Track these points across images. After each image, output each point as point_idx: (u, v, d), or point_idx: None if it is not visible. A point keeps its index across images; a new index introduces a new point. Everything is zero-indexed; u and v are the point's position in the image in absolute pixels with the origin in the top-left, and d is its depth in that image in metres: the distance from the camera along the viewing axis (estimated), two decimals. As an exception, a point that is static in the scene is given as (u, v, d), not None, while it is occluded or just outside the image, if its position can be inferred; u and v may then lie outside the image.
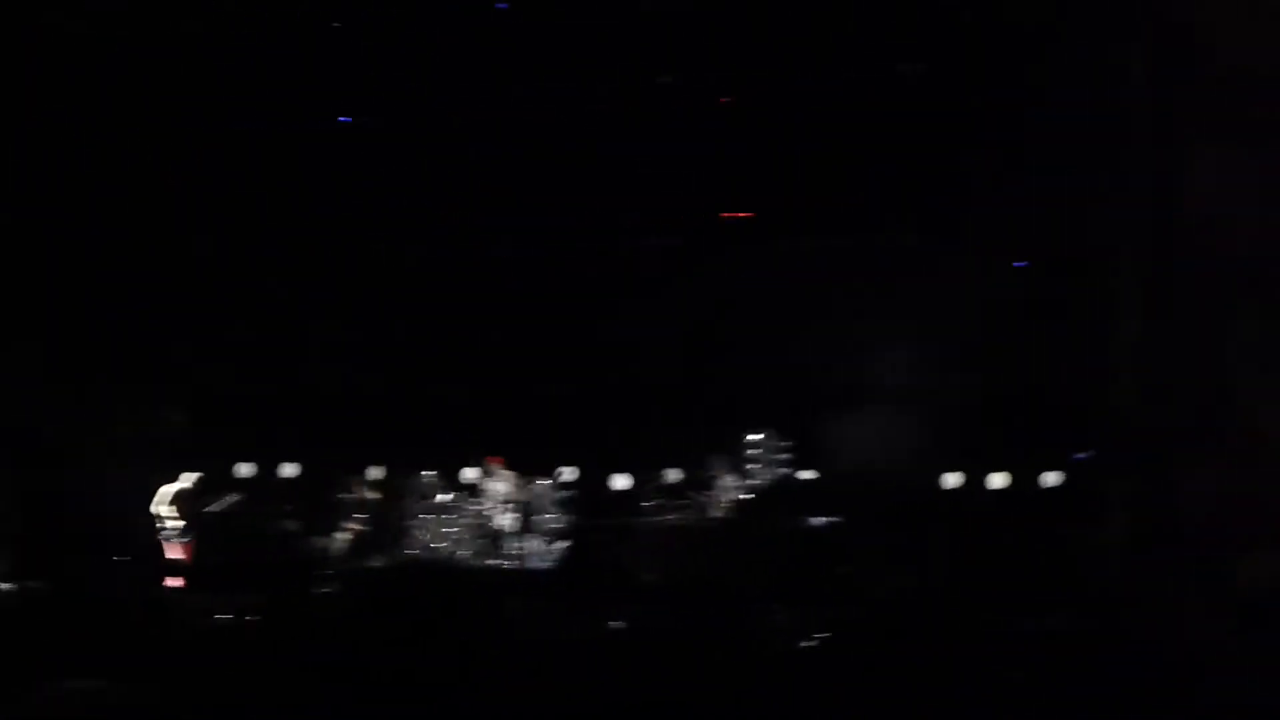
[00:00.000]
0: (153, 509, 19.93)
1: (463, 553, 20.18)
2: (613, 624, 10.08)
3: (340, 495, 20.66)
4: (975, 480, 20.69)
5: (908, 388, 19.26)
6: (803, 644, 5.65)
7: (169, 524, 19.94)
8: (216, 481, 20.79)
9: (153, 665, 4.43)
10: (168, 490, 20.03)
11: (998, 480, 20.61)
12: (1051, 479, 20.39)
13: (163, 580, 17.25)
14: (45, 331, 20.12)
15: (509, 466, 20.93)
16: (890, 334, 19.55)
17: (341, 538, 20.35)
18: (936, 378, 19.40)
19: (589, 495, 21.11)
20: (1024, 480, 20.52)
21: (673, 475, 20.66)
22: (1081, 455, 18.66)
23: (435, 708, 3.84)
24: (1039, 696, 4.90)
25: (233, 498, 20.39)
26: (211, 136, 20.60)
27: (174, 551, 19.89)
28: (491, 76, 20.49)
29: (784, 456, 20.58)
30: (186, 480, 20.15)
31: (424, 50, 20.29)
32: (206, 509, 20.17)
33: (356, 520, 20.52)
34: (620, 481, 21.54)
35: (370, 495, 20.82)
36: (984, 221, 19.94)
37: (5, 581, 17.45)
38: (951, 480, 20.67)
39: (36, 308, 20.19)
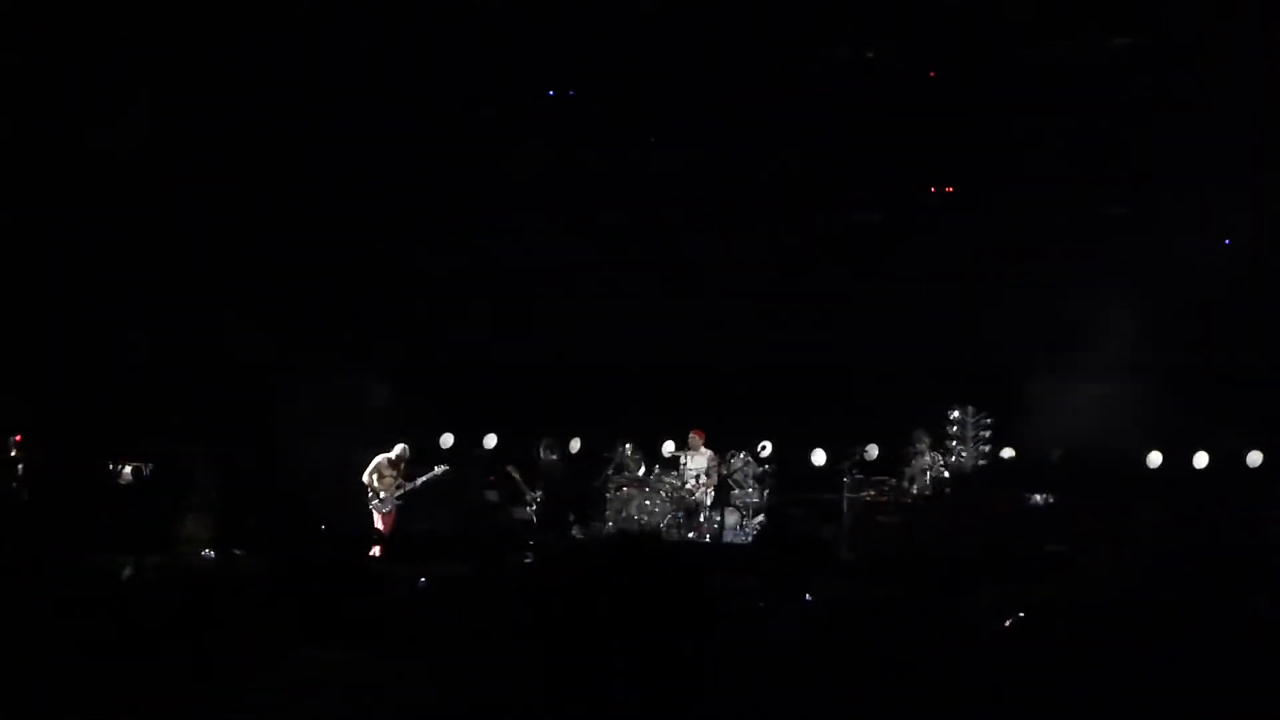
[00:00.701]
0: (364, 478, 20.34)
1: (661, 526, 20.26)
2: (808, 597, 10.07)
3: (540, 467, 20.84)
4: (1183, 458, 20.26)
5: (1115, 364, 18.89)
6: (1005, 623, 5.59)
7: (379, 494, 20.31)
8: (423, 451, 21.16)
9: (366, 633, 4.51)
10: (377, 460, 20.40)
11: (1203, 459, 20.17)
12: (1256, 458, 19.93)
13: (369, 550, 17.55)
14: (247, 307, 20.62)
15: (709, 441, 20.96)
16: (1096, 309, 19.18)
17: (532, 499, 20.57)
18: (1145, 354, 19.02)
19: (788, 470, 21.06)
20: (1231, 459, 20.06)
21: (873, 451, 20.47)
22: None
23: (633, 681, 3.84)
24: (1244, 684, 4.77)
25: (441, 468, 20.69)
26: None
27: (382, 521, 20.26)
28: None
29: (987, 433, 20.30)
30: (395, 450, 20.50)
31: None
32: (415, 479, 20.53)
33: (554, 493, 20.68)
34: (820, 456, 21.44)
35: (563, 467, 20.99)
36: (1192, 194, 19.60)
37: (208, 549, 17.92)
38: (1157, 458, 20.26)
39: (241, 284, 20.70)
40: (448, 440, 22.10)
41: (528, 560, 13.70)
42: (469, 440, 22.34)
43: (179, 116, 20.28)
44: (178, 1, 19.62)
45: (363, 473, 20.33)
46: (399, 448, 20.53)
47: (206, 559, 17.08)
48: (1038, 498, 18.38)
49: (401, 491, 20.31)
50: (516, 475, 20.79)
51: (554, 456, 20.87)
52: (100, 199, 19.93)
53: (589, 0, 20.28)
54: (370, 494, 20.27)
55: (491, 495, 21.17)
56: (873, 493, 19.61)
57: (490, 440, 22.48)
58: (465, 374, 22.13)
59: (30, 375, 18.23)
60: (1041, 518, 18.15)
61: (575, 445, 21.97)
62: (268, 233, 20.95)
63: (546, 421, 21.60)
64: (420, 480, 20.50)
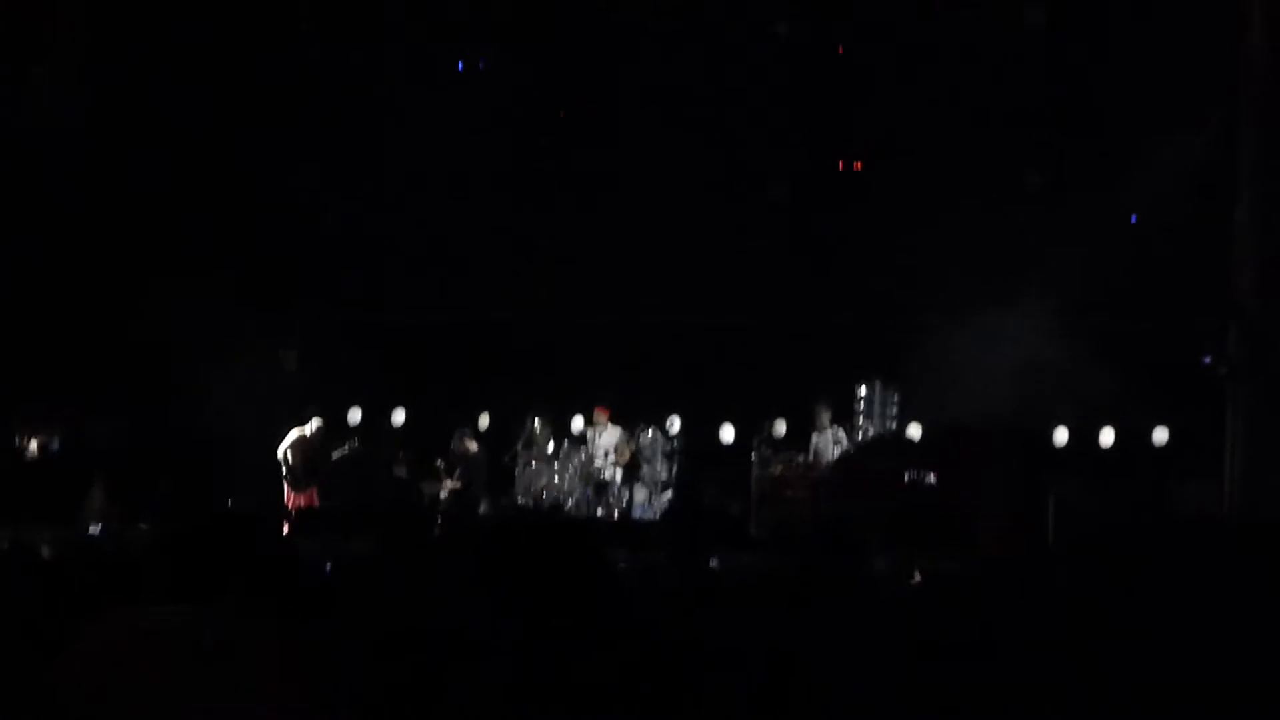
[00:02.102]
0: (279, 454, 20.14)
1: (569, 502, 20.28)
2: (712, 564, 10.15)
3: (450, 446, 20.76)
4: (1086, 435, 20.48)
5: (1015, 341, 19.08)
6: (900, 591, 5.69)
7: (295, 470, 20.11)
8: (337, 428, 21.03)
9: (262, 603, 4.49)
10: (293, 435, 20.20)
11: (1108, 435, 20.39)
12: (1161, 435, 20.19)
13: (277, 525, 17.43)
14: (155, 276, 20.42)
15: (617, 417, 20.98)
16: (1000, 287, 19.38)
17: (450, 485, 20.46)
18: (1044, 331, 19.23)
19: (697, 446, 21.12)
20: (1135, 435, 20.31)
21: (780, 427, 20.57)
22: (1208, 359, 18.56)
23: (543, 657, 3.85)
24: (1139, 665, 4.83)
25: (354, 444, 20.55)
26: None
27: (299, 497, 20.08)
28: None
29: (894, 409, 20.47)
30: (311, 425, 20.31)
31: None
32: (331, 455, 20.38)
33: (464, 468, 20.62)
34: (729, 432, 21.52)
35: (477, 444, 20.91)
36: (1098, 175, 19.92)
37: (103, 522, 17.73)
38: (1062, 434, 20.47)
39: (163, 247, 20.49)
40: (355, 415, 21.96)
41: (433, 536, 13.70)
42: (377, 415, 22.23)
43: (85, 83, 20.09)
44: None
45: (278, 448, 20.13)
46: (315, 422, 20.36)
47: (111, 533, 16.92)
48: (931, 475, 18.59)
49: (315, 468, 20.16)
50: (441, 468, 20.70)
51: (472, 445, 20.75)
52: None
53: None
54: (284, 470, 20.07)
55: (400, 471, 21.09)
56: (780, 468, 19.72)
57: (399, 415, 22.39)
58: (372, 347, 21.99)
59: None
60: (934, 491, 18.36)
61: (484, 421, 21.92)
62: (175, 200, 20.73)
63: (455, 396, 21.56)
64: (335, 456, 20.37)
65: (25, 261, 19.81)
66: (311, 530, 17.83)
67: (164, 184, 20.63)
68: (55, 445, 19.79)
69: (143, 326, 19.81)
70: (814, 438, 20.07)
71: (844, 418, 20.30)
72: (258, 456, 20.36)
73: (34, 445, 19.78)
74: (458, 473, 20.46)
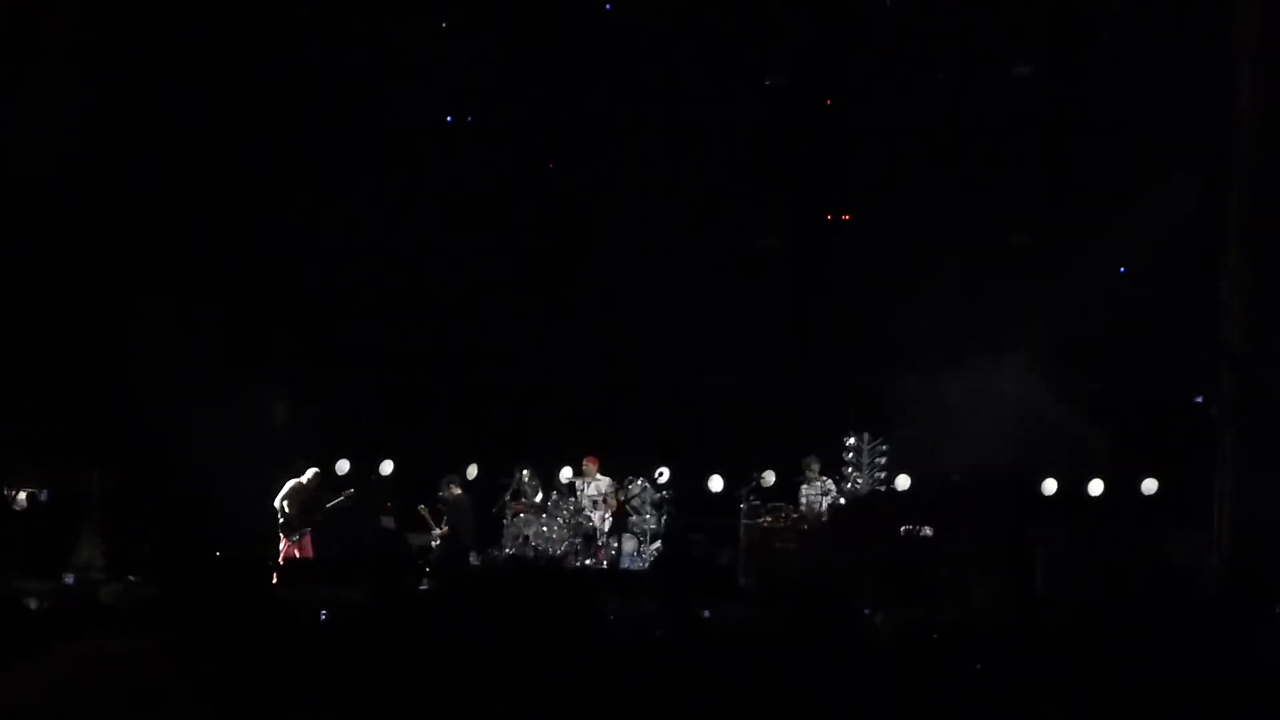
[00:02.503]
0: (275, 504, 20.09)
1: (558, 552, 20.23)
2: (705, 614, 10.12)
3: (438, 494, 20.72)
4: (1076, 485, 20.48)
5: (1007, 392, 19.11)
6: (898, 645, 5.68)
7: (290, 520, 20.05)
8: (331, 478, 20.98)
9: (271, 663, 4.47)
10: (289, 485, 20.15)
11: (1097, 486, 20.40)
12: (1151, 485, 20.19)
13: (267, 575, 17.34)
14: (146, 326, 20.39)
15: (606, 468, 20.97)
16: (991, 338, 19.45)
17: (438, 533, 20.41)
18: (1032, 383, 19.27)
19: (686, 496, 21.11)
20: (1125, 485, 20.32)
21: (769, 478, 20.57)
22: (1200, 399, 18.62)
23: (536, 705, 3.86)
24: (1135, 703, 4.86)
25: (350, 494, 20.48)
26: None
27: (293, 547, 20.01)
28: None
29: (882, 459, 20.48)
30: (306, 475, 20.28)
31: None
32: (324, 505, 20.32)
33: (451, 516, 20.57)
34: (717, 482, 21.50)
35: (463, 492, 20.87)
36: (1088, 225, 20.02)
37: (85, 573, 17.64)
38: (1050, 485, 20.48)
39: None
40: (344, 466, 21.92)
41: (423, 587, 13.67)
42: (366, 466, 22.20)
43: (86, 123, 20.10)
44: None
45: (273, 498, 20.08)
46: (310, 472, 20.33)
47: (87, 584, 16.83)
48: (926, 528, 18.57)
49: (310, 518, 20.10)
50: (426, 514, 20.65)
51: (458, 491, 20.72)
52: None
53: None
54: (280, 519, 20.00)
55: (388, 522, 21.05)
56: (769, 519, 19.70)
57: (387, 466, 22.34)
58: (361, 399, 21.99)
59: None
60: (927, 544, 18.34)
61: (472, 472, 21.88)
62: (162, 247, 20.71)
63: (442, 447, 21.54)
64: (328, 506, 20.32)
65: (15, 309, 19.77)
66: (304, 579, 17.76)
67: (152, 229, 20.61)
68: (43, 496, 19.69)
69: (132, 375, 19.79)
70: (803, 489, 20.07)
71: (832, 469, 20.31)
72: (246, 507, 20.31)
73: (22, 496, 19.70)
74: (444, 520, 20.43)
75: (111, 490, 19.66)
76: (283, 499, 20.03)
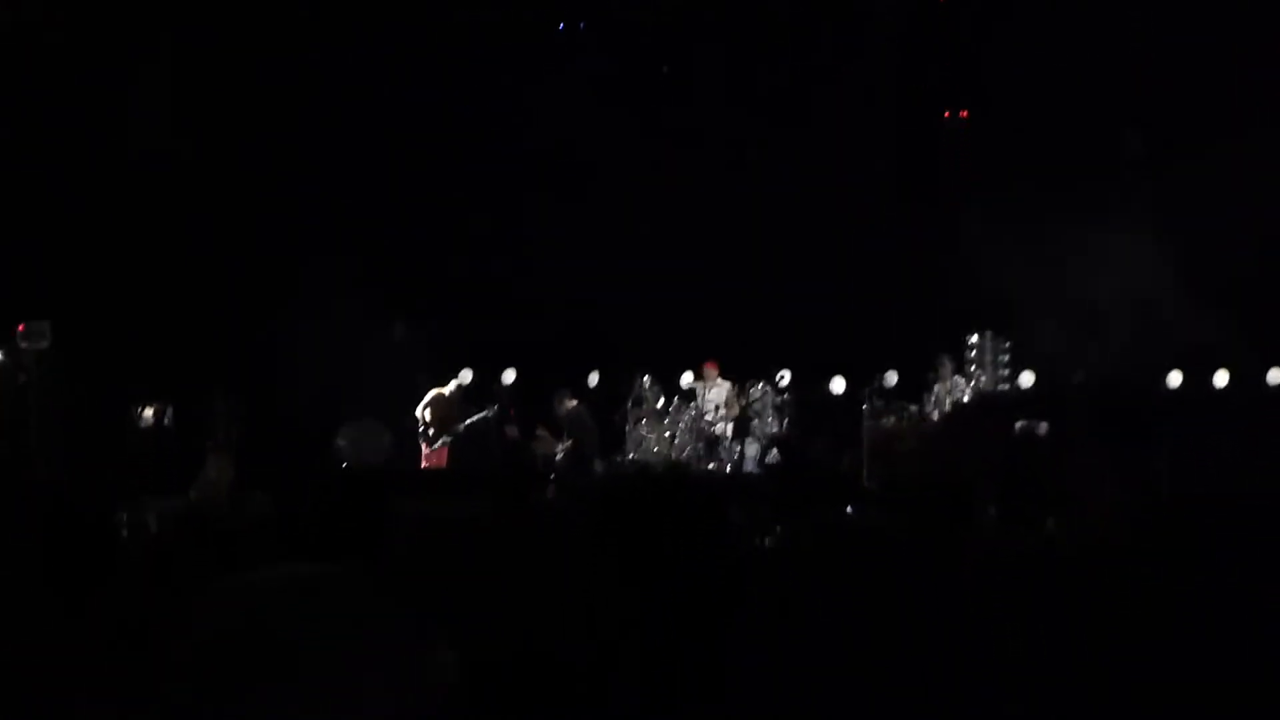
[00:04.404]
0: (416, 413, 20.44)
1: (681, 458, 20.36)
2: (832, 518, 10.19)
3: (564, 418, 20.88)
4: (1199, 381, 20.28)
5: (1131, 286, 18.92)
6: (1015, 552, 5.72)
7: (429, 430, 20.38)
8: (473, 391, 21.25)
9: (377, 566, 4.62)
10: (432, 394, 20.46)
11: (1221, 378, 20.16)
12: (1276, 376, 19.96)
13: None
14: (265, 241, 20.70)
15: (726, 371, 21.05)
16: (1110, 229, 19.25)
17: (562, 446, 20.62)
18: (1154, 278, 19.05)
19: (808, 399, 21.15)
20: (1249, 379, 20.12)
21: (892, 378, 20.53)
22: None
23: (661, 618, 3.95)
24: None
25: (491, 409, 20.76)
26: None
27: (431, 457, 20.34)
28: None
29: (1006, 357, 20.32)
30: (450, 385, 20.58)
31: None
32: (467, 417, 20.63)
33: (571, 429, 20.77)
34: (839, 384, 21.50)
35: (579, 406, 21.02)
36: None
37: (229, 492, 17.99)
38: (1176, 378, 20.27)
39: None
40: (467, 376, 22.13)
41: (549, 497, 13.86)
42: (488, 376, 22.40)
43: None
44: None
45: (415, 408, 20.48)
46: (454, 383, 20.66)
47: (226, 502, 17.18)
48: (1041, 425, 18.43)
49: (449, 428, 20.41)
50: (546, 434, 20.89)
51: (572, 403, 20.92)
52: (118, 136, 20.04)
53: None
54: (421, 429, 20.39)
55: (512, 432, 21.30)
56: (892, 420, 19.67)
57: (509, 375, 22.54)
58: (481, 308, 22.14)
59: (51, 317, 18.26)
60: (1045, 444, 18.22)
61: (593, 379, 22.03)
62: (291, 165, 20.97)
63: (563, 356, 21.69)
64: (471, 420, 20.61)
65: (136, 233, 20.11)
66: (438, 491, 18.06)
67: (272, 143, 20.87)
68: (169, 415, 20.05)
69: (255, 299, 20.13)
70: (935, 388, 19.96)
71: (958, 368, 20.20)
72: (369, 423, 20.69)
73: (148, 414, 20.06)
74: (566, 433, 20.65)
75: (237, 408, 20.00)
76: (424, 408, 20.41)
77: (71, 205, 19.51)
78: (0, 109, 19.14)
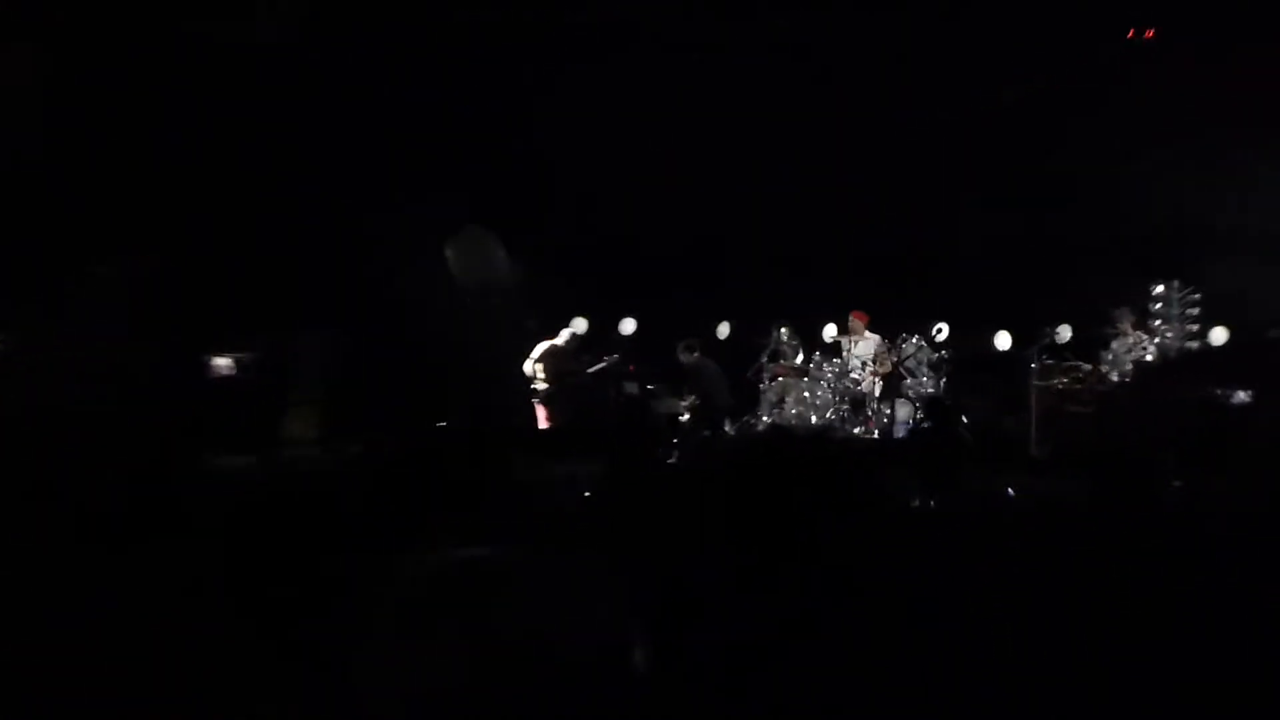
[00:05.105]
0: (525, 368, 20.49)
1: (823, 420, 20.30)
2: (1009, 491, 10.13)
3: (686, 370, 20.85)
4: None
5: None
6: (1194, 520, 5.63)
7: (540, 385, 20.44)
8: (589, 339, 21.29)
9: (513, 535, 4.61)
10: (542, 347, 20.51)
11: None
12: None
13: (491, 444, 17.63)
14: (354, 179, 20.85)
15: (875, 324, 20.93)
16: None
17: (686, 404, 20.61)
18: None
19: (967, 356, 20.99)
20: None
21: (1064, 333, 20.32)
22: None
23: (803, 584, 3.92)
24: None
25: (613, 358, 20.77)
26: None
27: (541, 413, 20.40)
28: None
29: (1194, 310, 20.04)
30: (562, 336, 20.64)
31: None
32: (586, 369, 20.69)
33: (696, 384, 20.73)
34: (1004, 339, 21.32)
35: (704, 358, 20.97)
36: None
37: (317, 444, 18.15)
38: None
39: None
40: (581, 325, 22.17)
41: (670, 461, 13.87)
42: (604, 325, 22.43)
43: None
44: None
45: (523, 361, 20.50)
46: (566, 333, 20.69)
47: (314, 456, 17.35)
48: (1240, 393, 18.15)
49: (565, 383, 20.45)
50: (668, 391, 20.88)
51: (696, 355, 20.89)
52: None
53: None
54: (533, 384, 20.42)
55: (631, 387, 21.29)
56: (1064, 380, 19.46)
57: (628, 325, 22.55)
58: (599, 250, 22.14)
59: (123, 261, 18.54)
60: (1242, 411, 17.95)
61: (724, 330, 21.99)
62: (381, 103, 21.11)
63: (691, 302, 21.65)
64: (590, 372, 20.65)
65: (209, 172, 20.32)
66: (556, 451, 18.14)
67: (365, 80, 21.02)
68: (249, 362, 20.20)
69: (341, 229, 20.28)
70: (1113, 345, 19.73)
71: (1139, 323, 19.95)
72: (475, 377, 20.75)
73: (227, 363, 20.22)
74: (690, 391, 20.62)
75: (322, 354, 20.16)
76: (535, 362, 20.41)
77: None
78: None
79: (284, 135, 20.16)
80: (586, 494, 7.67)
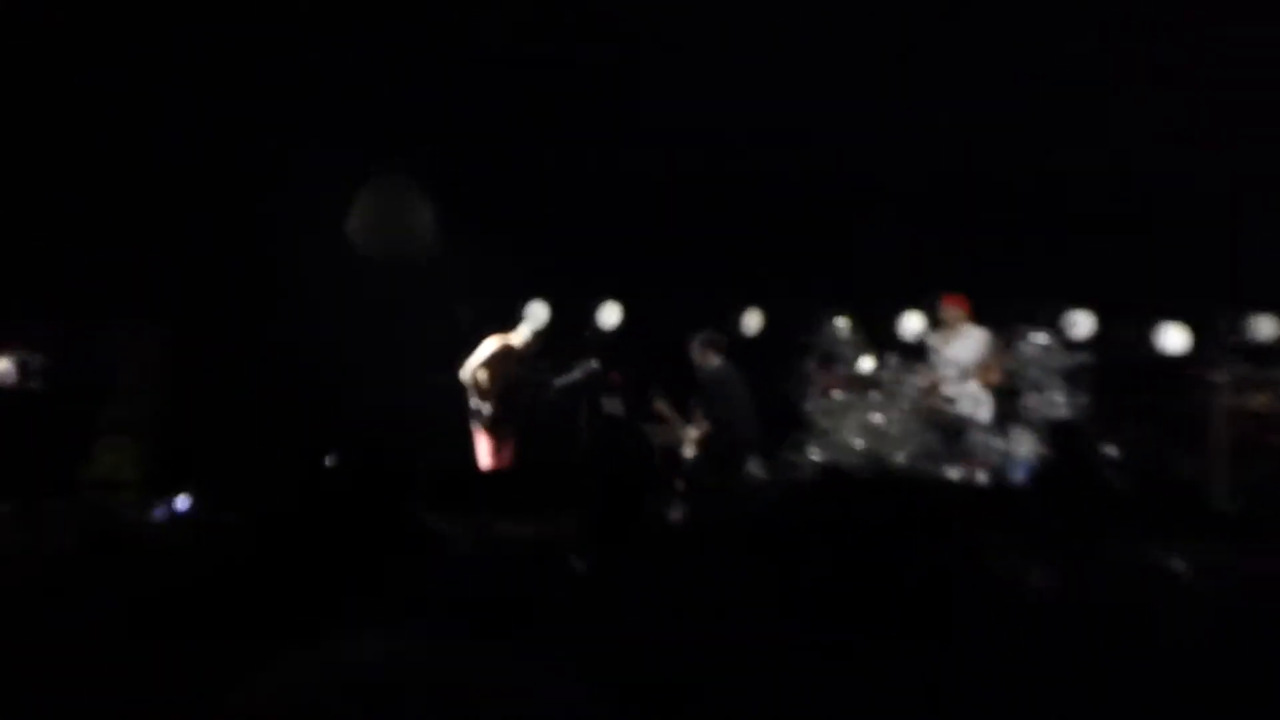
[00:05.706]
0: (463, 376, 20.51)
1: (903, 456, 20.33)
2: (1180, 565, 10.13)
3: (701, 379, 20.90)
4: None
5: None
6: None
7: (483, 401, 20.49)
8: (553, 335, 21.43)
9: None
10: (491, 348, 20.51)
11: None
12: None
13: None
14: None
15: (978, 314, 20.94)
16: None
17: (693, 431, 20.64)
18: None
19: (1116, 361, 21.06)
20: None
21: (1265, 327, 20.46)
22: None
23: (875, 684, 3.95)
24: None
25: (591, 365, 20.82)
26: None
27: (483, 443, 20.43)
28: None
29: None
30: (519, 334, 20.68)
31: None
32: (553, 382, 20.80)
33: (711, 398, 20.76)
34: (1175, 337, 21.42)
35: (728, 365, 21.05)
36: None
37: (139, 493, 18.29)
38: None
39: None
40: (541, 314, 22.26)
41: (675, 518, 13.89)
42: (576, 315, 22.54)
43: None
44: None
45: (462, 368, 20.45)
46: (526, 328, 20.73)
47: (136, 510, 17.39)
48: None
49: (521, 400, 20.52)
50: (667, 411, 20.93)
51: (717, 361, 20.88)
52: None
53: None
54: (474, 400, 20.36)
55: (613, 405, 21.27)
56: (1264, 398, 19.56)
57: (611, 314, 22.63)
58: (565, 205, 22.20)
59: None
60: None
61: (753, 322, 22.06)
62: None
63: (700, 284, 21.72)
64: (558, 385, 20.70)
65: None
66: (503, 501, 18.20)
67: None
68: (37, 364, 20.23)
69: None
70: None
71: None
72: (384, 390, 20.92)
73: (5, 366, 20.23)
74: (702, 409, 20.66)
75: (151, 355, 20.26)
76: (478, 369, 20.36)
77: None
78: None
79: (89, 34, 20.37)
80: (546, 564, 7.68)
